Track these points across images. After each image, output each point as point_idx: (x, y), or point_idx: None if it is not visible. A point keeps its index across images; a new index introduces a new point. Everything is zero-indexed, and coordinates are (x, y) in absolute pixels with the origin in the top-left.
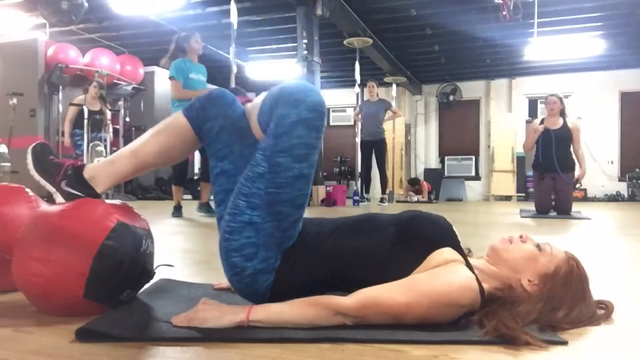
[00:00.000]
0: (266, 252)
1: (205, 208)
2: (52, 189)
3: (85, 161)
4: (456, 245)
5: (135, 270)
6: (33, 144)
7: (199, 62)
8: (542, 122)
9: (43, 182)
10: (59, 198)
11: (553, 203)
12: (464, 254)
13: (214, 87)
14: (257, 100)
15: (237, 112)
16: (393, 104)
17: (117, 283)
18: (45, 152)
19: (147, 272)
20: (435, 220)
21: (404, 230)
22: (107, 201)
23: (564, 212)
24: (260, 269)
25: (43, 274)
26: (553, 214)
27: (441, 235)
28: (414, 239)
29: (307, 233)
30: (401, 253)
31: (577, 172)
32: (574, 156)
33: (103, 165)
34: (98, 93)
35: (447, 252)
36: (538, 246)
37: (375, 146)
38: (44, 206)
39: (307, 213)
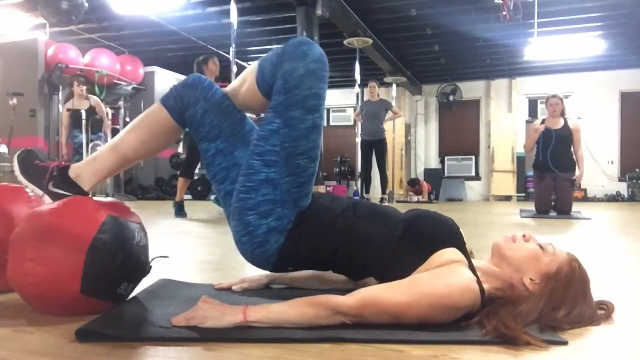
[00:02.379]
0: (282, 208)
1: (220, 203)
2: (39, 192)
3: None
4: (461, 247)
5: (130, 262)
6: (18, 152)
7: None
8: (542, 122)
9: (31, 186)
10: (47, 200)
11: (553, 203)
12: (468, 255)
13: None
14: (245, 73)
15: (217, 94)
16: (393, 104)
17: (112, 276)
18: (31, 157)
19: (143, 265)
20: (443, 220)
21: (411, 227)
22: (97, 198)
23: (564, 212)
24: (274, 227)
25: (38, 273)
26: (553, 214)
27: (447, 235)
28: (421, 236)
29: (320, 204)
30: (406, 248)
31: (577, 173)
32: (574, 157)
33: (86, 163)
34: (83, 90)
35: (450, 253)
36: (541, 246)
37: (375, 146)
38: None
39: None
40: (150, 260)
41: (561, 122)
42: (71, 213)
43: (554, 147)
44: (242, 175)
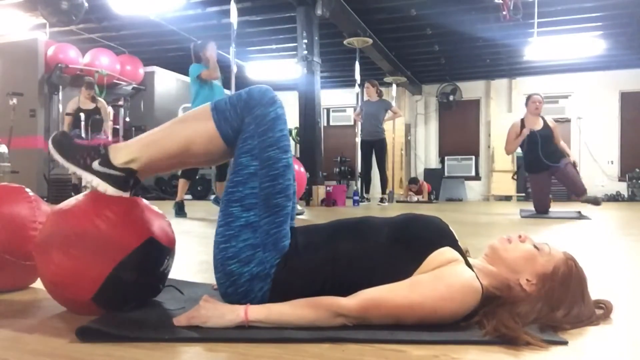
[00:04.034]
0: (263, 252)
1: (177, 207)
2: (85, 175)
3: None
4: (454, 244)
5: (149, 287)
6: (52, 135)
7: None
8: (522, 124)
9: (73, 167)
10: (95, 181)
11: (551, 196)
12: (462, 252)
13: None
14: (190, 133)
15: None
16: (393, 103)
17: (127, 295)
18: (68, 137)
19: (157, 290)
20: (431, 221)
21: (399, 232)
22: (147, 204)
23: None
24: (256, 273)
25: (63, 264)
26: (552, 213)
27: (439, 235)
28: (411, 240)
29: (299, 242)
30: (398, 255)
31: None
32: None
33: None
34: (90, 94)
35: (447, 252)
36: (536, 246)
37: (375, 146)
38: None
39: (307, 213)
40: (165, 284)
41: (541, 122)
42: (117, 222)
43: (543, 146)
44: (220, 227)
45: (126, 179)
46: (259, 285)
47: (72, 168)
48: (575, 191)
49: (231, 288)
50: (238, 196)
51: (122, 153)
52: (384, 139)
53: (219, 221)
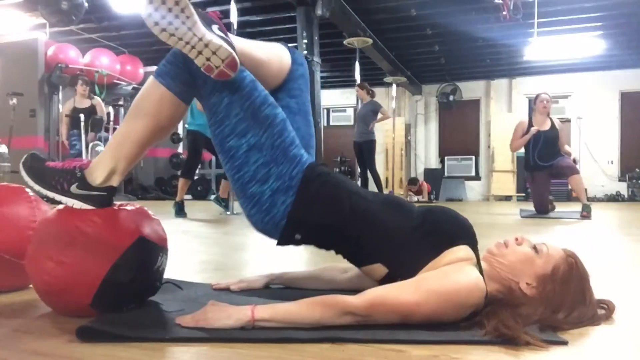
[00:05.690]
0: (277, 166)
1: (220, 202)
2: (66, 200)
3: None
4: (474, 246)
5: (145, 286)
6: (22, 159)
7: None
8: (530, 122)
9: (51, 194)
10: (77, 204)
11: (551, 197)
12: (478, 255)
13: None
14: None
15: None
16: (393, 104)
17: (124, 297)
18: (39, 160)
19: (155, 289)
20: (460, 218)
21: (427, 219)
22: (134, 207)
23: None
24: (277, 187)
25: (56, 274)
26: (552, 213)
27: (462, 232)
28: (437, 231)
29: (336, 177)
30: (421, 240)
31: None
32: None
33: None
34: (86, 90)
35: (462, 251)
36: (534, 247)
37: (362, 147)
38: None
39: None
40: (162, 282)
41: (548, 123)
42: (104, 225)
43: (541, 148)
44: (227, 163)
45: (108, 197)
46: (282, 199)
47: (49, 194)
48: (571, 173)
49: (254, 208)
50: (228, 130)
51: (99, 171)
52: (371, 140)
53: (223, 160)
